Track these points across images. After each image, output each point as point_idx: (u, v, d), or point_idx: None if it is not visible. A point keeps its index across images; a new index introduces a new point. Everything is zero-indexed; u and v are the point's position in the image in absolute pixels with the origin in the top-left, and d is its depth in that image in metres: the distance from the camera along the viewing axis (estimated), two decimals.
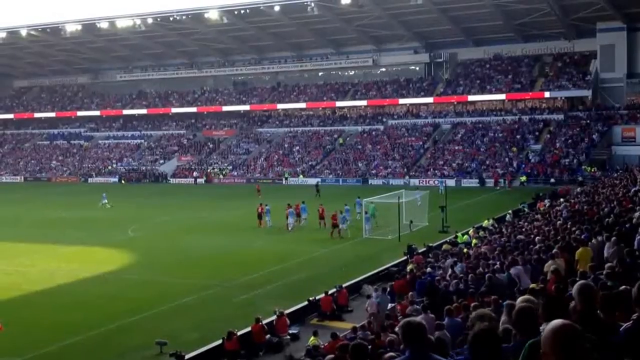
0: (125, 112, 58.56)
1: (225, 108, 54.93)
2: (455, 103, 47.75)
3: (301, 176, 44.42)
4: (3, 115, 62.37)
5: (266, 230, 24.15)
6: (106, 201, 32.15)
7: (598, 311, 2.92)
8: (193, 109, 56.24)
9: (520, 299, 3.84)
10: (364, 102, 50.67)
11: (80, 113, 59.89)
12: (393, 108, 50.61)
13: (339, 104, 51.54)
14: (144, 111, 57.85)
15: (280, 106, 53.24)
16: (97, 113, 59.44)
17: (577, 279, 6.48)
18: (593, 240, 9.78)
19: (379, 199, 24.05)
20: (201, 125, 56.02)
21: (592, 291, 2.95)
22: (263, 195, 32.16)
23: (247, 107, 54.46)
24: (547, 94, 44.28)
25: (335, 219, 21.93)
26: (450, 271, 12.41)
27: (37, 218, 29.00)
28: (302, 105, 52.45)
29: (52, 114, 60.41)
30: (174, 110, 56.94)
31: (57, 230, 25.42)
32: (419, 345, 2.85)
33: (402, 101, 49.04)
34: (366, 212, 22.57)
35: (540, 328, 2.67)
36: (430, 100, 48.22)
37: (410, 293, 11.20)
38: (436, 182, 36.47)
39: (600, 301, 3.03)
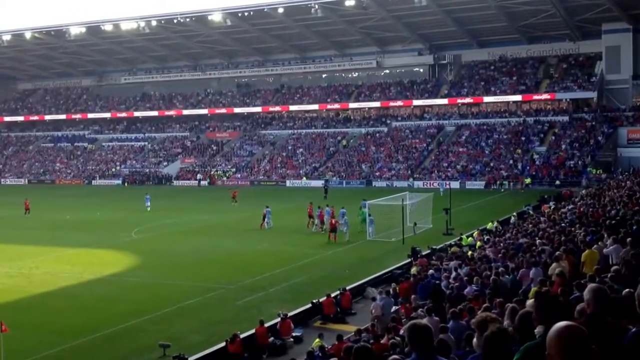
0: (129, 114, 58.81)
1: (229, 110, 55.06)
2: (460, 105, 47.64)
3: (304, 178, 44.39)
4: (7, 118, 62.76)
5: (269, 233, 24.11)
6: (149, 204, 30.97)
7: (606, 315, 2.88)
8: (197, 111, 56.40)
9: (529, 302, 3.79)
10: (367, 104, 50.60)
11: (84, 115, 60.21)
12: (397, 110, 50.54)
13: (342, 105, 51.50)
14: (147, 113, 58.07)
15: (283, 108, 53.31)
16: (101, 115, 59.74)
17: (582, 282, 6.40)
18: (599, 243, 9.68)
19: (383, 201, 23.98)
20: (205, 127, 56.16)
21: (606, 294, 2.91)
22: (239, 201, 31.50)
23: (250, 109, 54.55)
24: (552, 96, 44.06)
25: (335, 223, 21.77)
26: (454, 274, 12.32)
27: (41, 220, 29.06)
28: (306, 107, 52.49)
29: (56, 117, 60.73)
30: (178, 112, 57.11)
31: (61, 232, 25.50)
32: (426, 348, 2.83)
33: (410, 102, 48.75)
34: (370, 215, 22.49)
35: (536, 331, 2.63)
36: (436, 102, 48.11)
37: (413, 296, 11.12)
38: (437, 183, 36.36)
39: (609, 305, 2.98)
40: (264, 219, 24.70)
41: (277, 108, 53.59)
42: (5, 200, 38.96)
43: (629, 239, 8.66)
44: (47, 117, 61.14)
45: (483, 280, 10.39)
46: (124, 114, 59.11)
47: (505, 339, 2.56)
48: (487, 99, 46.07)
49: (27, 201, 31.22)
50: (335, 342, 10.07)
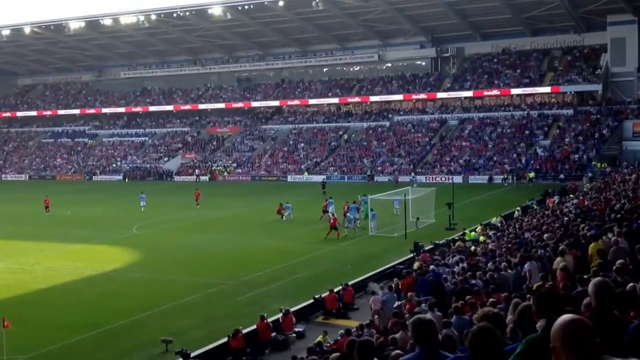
0: (129, 109, 58.59)
1: (229, 105, 54.84)
2: (463, 98, 47.30)
3: (306, 173, 44.24)
4: (7, 113, 62.53)
5: (270, 229, 24.04)
6: (144, 203, 29.49)
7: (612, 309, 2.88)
8: (197, 106, 56.17)
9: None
10: (369, 98, 50.23)
11: (84, 111, 60.00)
12: (399, 104, 50.20)
13: (343, 100, 51.16)
14: (148, 108, 57.87)
15: (284, 103, 53.04)
16: (101, 111, 59.57)
17: (585, 277, 6.32)
18: (604, 237, 9.54)
19: (385, 195, 23.85)
20: (205, 122, 55.96)
21: (608, 288, 2.89)
22: (201, 204, 29.60)
23: (251, 104, 54.33)
24: (556, 89, 43.64)
25: (335, 221, 21.54)
26: (456, 268, 12.23)
27: (42, 216, 29.01)
28: (307, 101, 52.21)
29: (56, 112, 60.58)
30: (178, 107, 56.77)
31: (62, 228, 25.46)
32: (430, 343, 2.81)
33: (414, 97, 48.42)
34: (372, 210, 22.39)
35: (537, 325, 2.62)
36: (437, 95, 47.73)
37: (410, 293, 11.05)
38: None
39: (614, 299, 2.98)
40: (280, 214, 25.03)
41: (278, 102, 53.34)
42: (6, 197, 39.01)
43: (632, 234, 8.51)
44: (47, 113, 61.00)
45: (485, 275, 10.30)
46: (123, 109, 58.95)
47: (491, 336, 2.49)
48: (490, 92, 45.69)
49: (47, 199, 29.35)
50: (338, 338, 10.02)
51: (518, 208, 22.85)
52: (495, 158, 40.46)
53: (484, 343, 2.47)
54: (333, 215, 22.44)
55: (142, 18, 48.25)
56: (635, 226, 9.60)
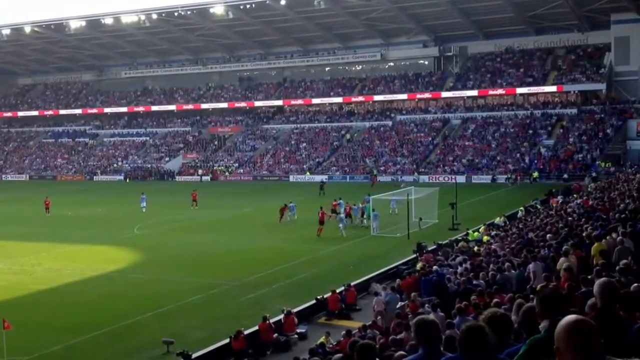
0: (130, 109, 58.56)
1: (231, 104, 54.77)
2: (466, 98, 47.11)
3: (308, 173, 44.14)
4: (7, 113, 62.47)
5: (272, 229, 23.97)
6: (145, 204, 29.14)
7: (618, 309, 2.84)
8: (199, 106, 56.10)
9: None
10: (372, 98, 50.07)
11: (84, 110, 59.97)
12: (401, 103, 50.06)
13: (346, 99, 51.04)
14: (149, 108, 57.83)
15: (286, 102, 52.94)
16: (102, 110, 59.56)
17: (589, 277, 6.23)
18: (607, 237, 9.42)
19: (388, 196, 23.74)
20: (206, 122, 55.91)
21: (613, 288, 2.85)
22: (199, 205, 29.17)
23: (253, 104, 54.24)
24: (560, 88, 43.40)
25: (322, 217, 21.64)
26: (460, 269, 12.12)
27: (43, 216, 28.93)
28: (309, 101, 52.12)
29: (57, 112, 60.53)
30: (179, 107, 56.73)
31: (63, 229, 25.41)
32: (433, 343, 2.82)
33: (418, 96, 48.18)
34: (373, 210, 22.30)
35: (540, 326, 2.58)
36: (442, 95, 47.52)
37: (413, 294, 10.95)
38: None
39: (620, 299, 2.94)
40: (282, 214, 24.90)
41: (280, 102, 53.25)
42: (6, 197, 39.05)
43: (636, 234, 8.40)
44: (47, 113, 60.99)
45: (489, 275, 10.20)
46: (125, 109, 58.92)
47: (481, 334, 2.48)
48: (493, 91, 45.49)
49: (47, 200, 29.11)
50: (340, 339, 9.94)
51: (521, 208, 22.71)
52: (498, 158, 40.29)
53: (474, 342, 2.45)
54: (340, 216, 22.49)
55: (143, 17, 48.22)
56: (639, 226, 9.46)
